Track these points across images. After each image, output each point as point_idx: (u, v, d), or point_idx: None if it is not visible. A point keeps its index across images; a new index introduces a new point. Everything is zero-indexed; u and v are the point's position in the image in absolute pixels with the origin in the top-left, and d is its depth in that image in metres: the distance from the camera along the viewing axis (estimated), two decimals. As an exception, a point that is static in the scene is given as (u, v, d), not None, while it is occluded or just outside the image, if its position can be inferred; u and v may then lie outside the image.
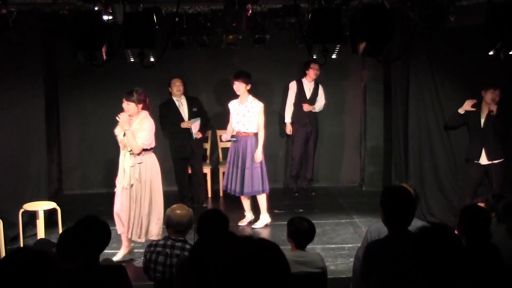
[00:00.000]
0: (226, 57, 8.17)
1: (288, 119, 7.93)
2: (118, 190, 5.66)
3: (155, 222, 5.66)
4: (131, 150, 5.55)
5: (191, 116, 7.34)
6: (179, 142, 7.36)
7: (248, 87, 6.61)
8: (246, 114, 6.58)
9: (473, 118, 6.39)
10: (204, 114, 7.69)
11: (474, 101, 6.38)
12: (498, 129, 6.20)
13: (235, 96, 6.73)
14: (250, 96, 6.65)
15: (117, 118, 5.59)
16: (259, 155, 6.55)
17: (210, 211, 3.94)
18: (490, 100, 6.21)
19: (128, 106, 5.53)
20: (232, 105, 6.74)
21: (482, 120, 6.30)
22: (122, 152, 5.60)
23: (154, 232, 5.66)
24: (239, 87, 6.58)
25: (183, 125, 7.26)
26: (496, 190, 5.98)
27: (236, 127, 6.66)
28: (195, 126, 7.24)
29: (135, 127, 5.55)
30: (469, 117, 6.44)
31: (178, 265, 3.66)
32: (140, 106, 5.56)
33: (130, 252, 5.81)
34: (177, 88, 7.33)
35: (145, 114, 5.63)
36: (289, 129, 7.96)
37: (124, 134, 5.54)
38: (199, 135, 7.36)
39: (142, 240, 5.67)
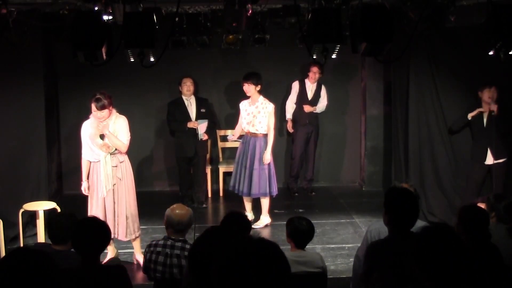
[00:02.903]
0: (232, 58, 8.17)
1: (289, 115, 7.92)
2: (99, 195, 5.47)
3: (138, 218, 5.68)
4: (114, 151, 5.48)
5: (199, 116, 7.34)
6: (184, 141, 7.36)
7: (258, 88, 6.57)
8: (256, 114, 6.56)
9: (476, 119, 6.39)
10: (213, 117, 7.69)
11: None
12: (501, 128, 6.21)
13: (245, 96, 6.71)
14: (261, 97, 6.63)
15: (98, 129, 5.42)
16: (267, 157, 6.52)
17: (235, 213, 3.96)
18: (488, 99, 6.22)
19: (103, 113, 5.37)
20: (243, 105, 6.71)
21: (485, 120, 6.31)
22: (102, 156, 5.44)
23: (137, 229, 5.66)
24: (249, 88, 6.56)
25: (189, 124, 7.26)
26: (499, 189, 5.99)
27: (246, 127, 6.63)
28: (201, 127, 7.23)
29: (114, 128, 5.47)
30: (472, 118, 6.44)
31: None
32: (110, 107, 5.45)
33: (117, 256, 5.72)
34: (187, 87, 7.33)
35: (115, 113, 5.54)
36: (290, 126, 7.94)
37: (102, 138, 5.43)
38: (205, 137, 7.34)
39: (133, 236, 5.62)
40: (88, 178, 5.54)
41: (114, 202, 5.50)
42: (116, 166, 5.49)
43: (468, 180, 6.50)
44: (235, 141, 6.87)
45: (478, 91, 6.33)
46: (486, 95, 6.23)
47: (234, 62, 8.23)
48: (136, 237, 5.66)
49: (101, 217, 5.31)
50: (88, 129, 5.50)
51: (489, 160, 6.29)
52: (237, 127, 6.86)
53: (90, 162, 5.53)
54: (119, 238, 5.56)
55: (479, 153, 6.36)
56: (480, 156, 6.34)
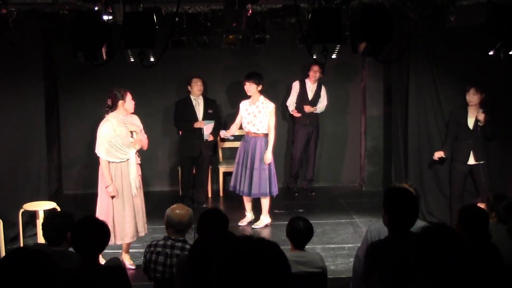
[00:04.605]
0: (233, 58, 8.17)
1: (291, 107, 7.88)
2: (132, 193, 5.52)
3: None
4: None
5: (206, 117, 7.34)
6: (190, 141, 7.37)
7: (259, 87, 6.58)
8: (257, 114, 6.56)
9: (461, 119, 6.38)
10: (219, 118, 7.69)
11: (441, 154, 6.43)
12: (488, 134, 6.25)
13: (246, 97, 6.70)
14: (262, 97, 6.63)
15: (126, 127, 5.54)
16: (269, 156, 6.52)
17: (210, 210, 3.94)
18: (470, 102, 6.22)
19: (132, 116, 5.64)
20: (244, 104, 6.71)
21: (471, 121, 6.29)
22: (133, 153, 5.53)
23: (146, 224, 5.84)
24: (250, 87, 6.56)
25: (196, 124, 7.27)
26: (483, 192, 6.01)
27: (247, 127, 6.64)
28: (207, 128, 7.22)
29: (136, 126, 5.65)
30: (457, 118, 6.44)
31: (178, 265, 3.66)
32: None
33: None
34: (198, 87, 7.34)
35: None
36: (295, 113, 7.82)
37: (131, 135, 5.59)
38: (211, 138, 7.33)
39: (146, 231, 5.79)
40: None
41: (141, 200, 5.63)
42: (139, 163, 5.63)
43: (453, 180, 6.51)
44: (228, 139, 6.89)
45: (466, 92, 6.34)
46: (468, 98, 6.25)
47: (234, 62, 8.23)
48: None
49: (132, 217, 5.51)
50: (111, 129, 5.44)
51: (471, 160, 6.31)
52: (233, 125, 6.87)
53: (109, 163, 5.46)
54: (141, 235, 5.69)
55: (462, 153, 6.36)
56: (463, 156, 6.34)
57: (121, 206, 5.50)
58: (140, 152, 5.91)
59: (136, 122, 5.67)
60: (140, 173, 5.67)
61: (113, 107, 5.50)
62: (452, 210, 6.44)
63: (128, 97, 5.53)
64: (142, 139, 5.63)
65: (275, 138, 6.66)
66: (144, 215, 5.74)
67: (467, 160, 6.32)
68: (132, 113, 5.68)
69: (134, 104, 5.62)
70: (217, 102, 8.33)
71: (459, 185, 6.44)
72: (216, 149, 8.27)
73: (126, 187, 5.51)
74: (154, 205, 6.94)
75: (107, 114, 5.53)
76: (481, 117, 6.14)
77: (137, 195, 5.59)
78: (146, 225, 5.76)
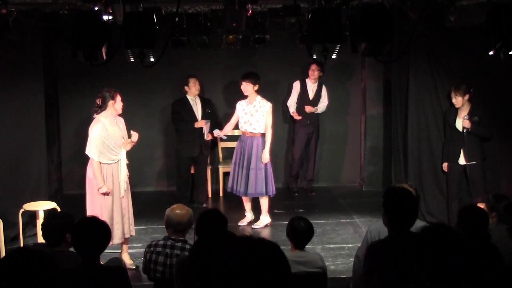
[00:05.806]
0: (232, 58, 8.17)
1: (292, 109, 7.88)
2: (121, 194, 5.52)
3: None
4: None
5: (204, 116, 7.36)
6: (190, 141, 7.36)
7: (256, 87, 6.58)
8: (254, 114, 6.56)
9: (451, 121, 6.38)
10: (215, 118, 7.69)
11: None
12: (483, 136, 6.26)
13: (243, 97, 6.70)
14: (259, 96, 6.63)
15: (119, 127, 5.55)
16: (266, 156, 6.52)
17: (209, 210, 3.95)
18: (454, 104, 6.25)
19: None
20: (240, 104, 6.71)
21: (460, 122, 6.28)
22: (123, 154, 5.53)
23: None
24: (247, 87, 6.56)
25: (197, 124, 7.27)
26: (478, 192, 6.01)
27: (243, 126, 6.64)
28: (206, 127, 7.25)
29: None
30: (448, 120, 6.44)
31: (177, 265, 3.66)
32: None
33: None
34: (196, 87, 7.34)
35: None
36: (296, 115, 7.83)
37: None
38: (209, 137, 7.33)
39: (132, 233, 5.76)
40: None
41: (128, 201, 5.61)
42: (128, 163, 5.61)
43: (449, 180, 6.52)
44: (221, 138, 6.95)
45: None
46: (452, 100, 6.28)
47: (234, 63, 8.23)
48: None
49: (119, 219, 5.47)
50: (103, 129, 5.39)
51: (462, 160, 6.32)
52: (228, 125, 6.88)
53: (101, 164, 5.42)
54: (127, 236, 5.66)
55: (453, 153, 6.36)
56: (454, 156, 6.35)
57: (110, 207, 5.45)
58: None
59: (121, 125, 5.59)
60: (127, 173, 5.62)
61: (103, 107, 5.44)
62: (449, 210, 6.45)
63: (118, 97, 5.46)
64: (133, 140, 5.62)
65: (272, 137, 6.66)
66: (132, 216, 5.68)
67: (458, 159, 6.34)
68: (119, 115, 5.61)
69: (122, 105, 5.55)
70: (217, 101, 8.36)
71: (454, 185, 6.45)
72: (215, 149, 8.28)
73: (115, 189, 5.47)
74: (153, 205, 6.94)
75: (97, 114, 5.47)
76: (466, 124, 6.15)
77: (124, 197, 5.54)
78: (132, 226, 5.70)
